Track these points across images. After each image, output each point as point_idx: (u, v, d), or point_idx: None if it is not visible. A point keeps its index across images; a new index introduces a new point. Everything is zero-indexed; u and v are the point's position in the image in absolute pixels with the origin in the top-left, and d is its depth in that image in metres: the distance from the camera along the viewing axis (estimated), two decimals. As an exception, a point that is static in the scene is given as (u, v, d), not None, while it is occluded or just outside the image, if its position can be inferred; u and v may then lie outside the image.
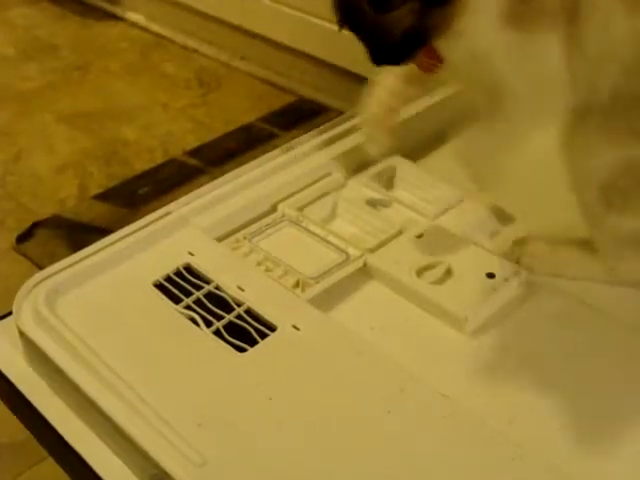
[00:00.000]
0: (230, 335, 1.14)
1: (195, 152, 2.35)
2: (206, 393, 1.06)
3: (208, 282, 1.22)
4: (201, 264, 1.24)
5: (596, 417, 1.06)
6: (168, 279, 1.22)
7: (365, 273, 1.26)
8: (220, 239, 1.31)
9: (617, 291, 1.25)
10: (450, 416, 1.03)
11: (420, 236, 1.29)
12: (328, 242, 1.30)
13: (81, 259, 1.23)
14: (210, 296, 1.20)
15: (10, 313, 1.17)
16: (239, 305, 1.18)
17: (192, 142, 2.40)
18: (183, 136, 2.44)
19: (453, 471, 0.98)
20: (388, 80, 1.30)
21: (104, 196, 2.19)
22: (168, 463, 0.96)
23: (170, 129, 2.48)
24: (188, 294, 1.20)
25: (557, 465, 0.98)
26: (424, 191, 1.42)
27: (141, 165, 2.31)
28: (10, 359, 1.15)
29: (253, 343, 1.12)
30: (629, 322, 1.18)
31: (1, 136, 2.49)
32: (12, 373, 1.13)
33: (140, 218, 1.30)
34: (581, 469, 0.99)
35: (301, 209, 1.37)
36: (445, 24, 1.02)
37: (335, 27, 2.20)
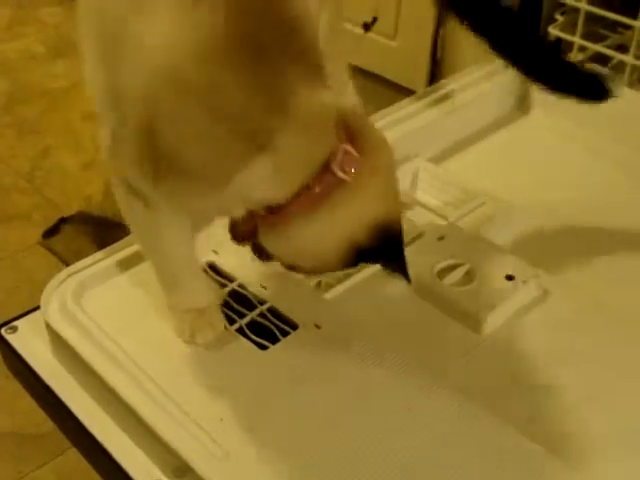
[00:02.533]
0: (253, 333, 1.16)
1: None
2: (228, 389, 1.08)
3: (232, 280, 1.23)
4: (225, 262, 1.26)
5: (613, 418, 1.07)
6: (192, 277, 1.24)
7: (386, 274, 1.27)
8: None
9: (638, 296, 1.26)
10: (467, 416, 1.05)
11: (441, 238, 1.30)
12: (350, 243, 1.31)
13: (107, 256, 1.25)
14: (233, 294, 1.22)
15: (37, 307, 1.19)
16: (262, 303, 1.20)
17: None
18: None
19: (471, 469, 0.99)
20: None
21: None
22: (190, 456, 0.98)
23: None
24: (212, 291, 1.22)
25: (575, 464, 0.99)
26: (446, 194, 1.43)
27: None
28: (37, 352, 1.16)
29: (275, 341, 1.14)
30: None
31: (29, 133, 2.52)
32: (39, 366, 1.15)
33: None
34: (599, 468, 1.00)
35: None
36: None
37: (360, 30, 2.21)
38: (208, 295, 1.16)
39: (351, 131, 0.95)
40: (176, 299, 1.15)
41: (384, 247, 0.98)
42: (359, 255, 0.98)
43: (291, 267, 1.03)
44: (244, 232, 1.03)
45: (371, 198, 0.96)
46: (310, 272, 1.11)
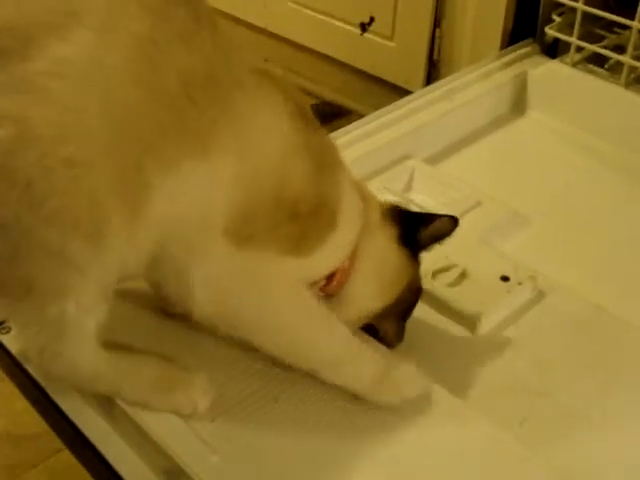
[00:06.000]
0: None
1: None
2: (219, 390, 1.07)
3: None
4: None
5: (606, 422, 1.07)
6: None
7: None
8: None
9: (633, 297, 1.26)
10: (458, 416, 1.04)
11: (436, 239, 1.30)
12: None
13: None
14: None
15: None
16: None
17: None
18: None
19: (459, 471, 0.99)
20: None
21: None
22: (182, 457, 0.97)
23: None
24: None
25: (565, 468, 0.99)
26: (441, 194, 1.43)
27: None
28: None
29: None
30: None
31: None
32: (32, 367, 1.15)
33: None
34: (588, 472, 1.00)
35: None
36: None
37: (358, 30, 2.22)
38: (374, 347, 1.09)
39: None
40: (370, 369, 1.04)
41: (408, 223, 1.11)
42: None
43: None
44: None
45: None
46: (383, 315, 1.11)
